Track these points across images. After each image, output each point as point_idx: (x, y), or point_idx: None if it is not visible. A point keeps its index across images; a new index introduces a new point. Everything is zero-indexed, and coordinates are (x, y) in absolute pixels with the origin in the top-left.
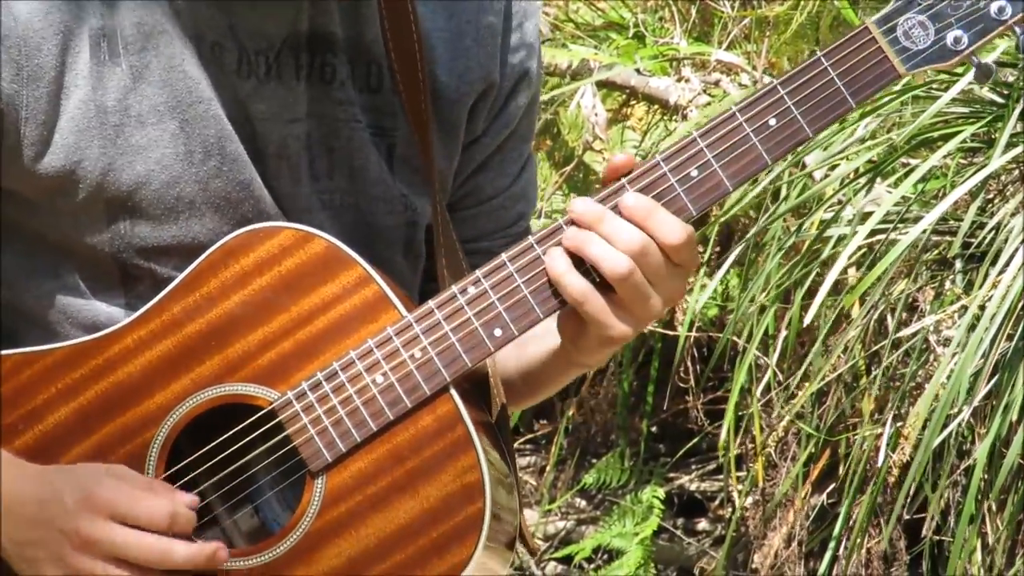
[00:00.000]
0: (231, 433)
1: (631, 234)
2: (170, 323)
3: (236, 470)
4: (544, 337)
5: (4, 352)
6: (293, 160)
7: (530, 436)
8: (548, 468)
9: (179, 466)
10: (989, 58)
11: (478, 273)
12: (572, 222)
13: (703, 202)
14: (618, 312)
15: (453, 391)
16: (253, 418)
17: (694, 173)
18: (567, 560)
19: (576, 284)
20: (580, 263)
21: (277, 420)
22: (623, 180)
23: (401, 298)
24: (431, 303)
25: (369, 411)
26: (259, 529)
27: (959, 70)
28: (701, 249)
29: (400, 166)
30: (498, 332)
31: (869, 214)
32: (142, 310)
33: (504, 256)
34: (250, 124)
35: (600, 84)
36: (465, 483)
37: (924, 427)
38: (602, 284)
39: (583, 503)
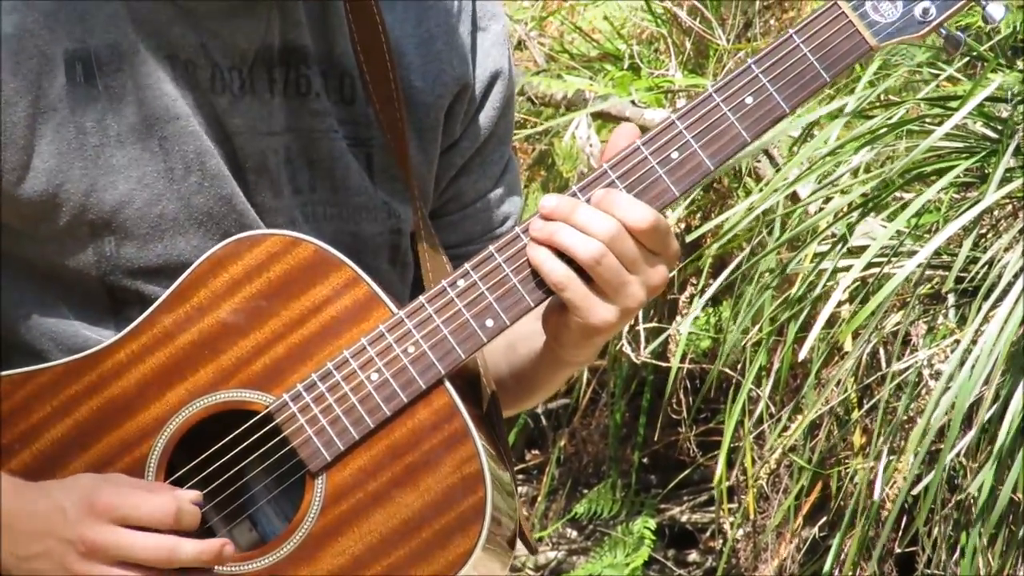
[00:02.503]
0: (228, 439)
1: (600, 221)
2: (162, 335)
3: (231, 477)
4: (532, 337)
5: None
6: (273, 174)
7: (522, 466)
8: (539, 498)
9: (177, 475)
10: (983, 94)
11: (467, 266)
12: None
13: (685, 183)
14: (598, 298)
15: (448, 384)
16: (249, 423)
17: (675, 155)
18: None
19: (557, 269)
20: (562, 253)
21: (274, 424)
22: (604, 166)
23: (391, 298)
24: (421, 298)
25: (365, 408)
26: (256, 543)
27: (953, 104)
28: (694, 280)
29: (380, 175)
30: (490, 323)
31: (863, 248)
32: (133, 324)
33: (492, 248)
34: (228, 140)
35: (595, 115)
36: (465, 474)
37: (916, 461)
38: (582, 274)
39: (574, 533)
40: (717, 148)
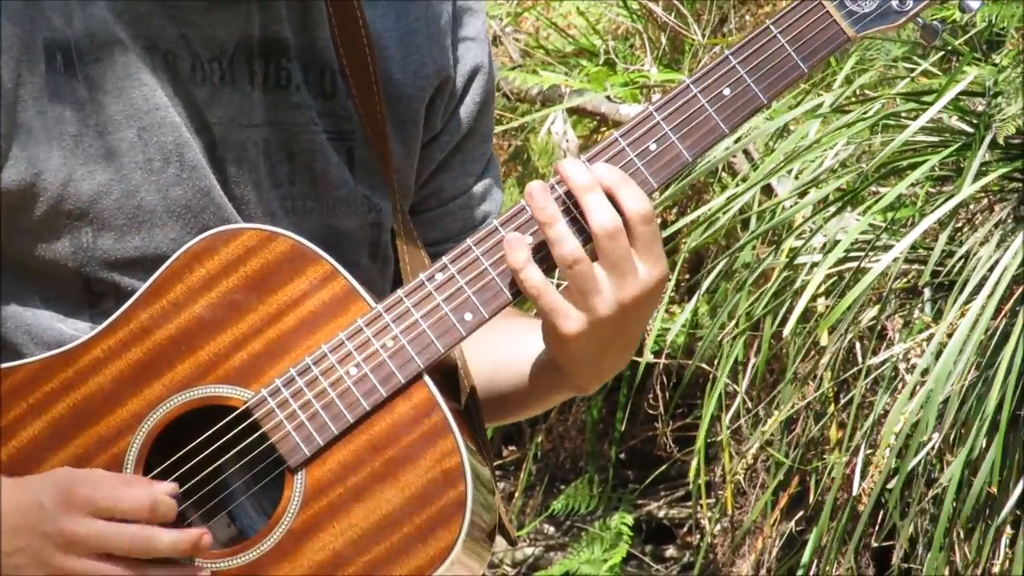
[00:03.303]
0: (207, 435)
1: (609, 209)
2: (138, 331)
3: (210, 474)
4: (519, 361)
5: None
6: (253, 166)
7: (499, 462)
8: (517, 494)
9: (155, 472)
10: (958, 88)
11: (444, 260)
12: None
13: (663, 174)
14: (570, 307)
15: (427, 378)
16: (228, 419)
17: (652, 147)
18: None
19: (533, 278)
20: (537, 252)
21: (252, 419)
22: (582, 158)
23: (369, 292)
24: (400, 292)
25: (344, 403)
26: (235, 538)
27: (928, 98)
28: (671, 276)
29: (361, 169)
30: (468, 316)
31: (839, 242)
32: (109, 320)
33: (469, 241)
34: (208, 131)
35: (571, 111)
36: (445, 468)
37: (893, 455)
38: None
39: (552, 529)
40: (696, 139)
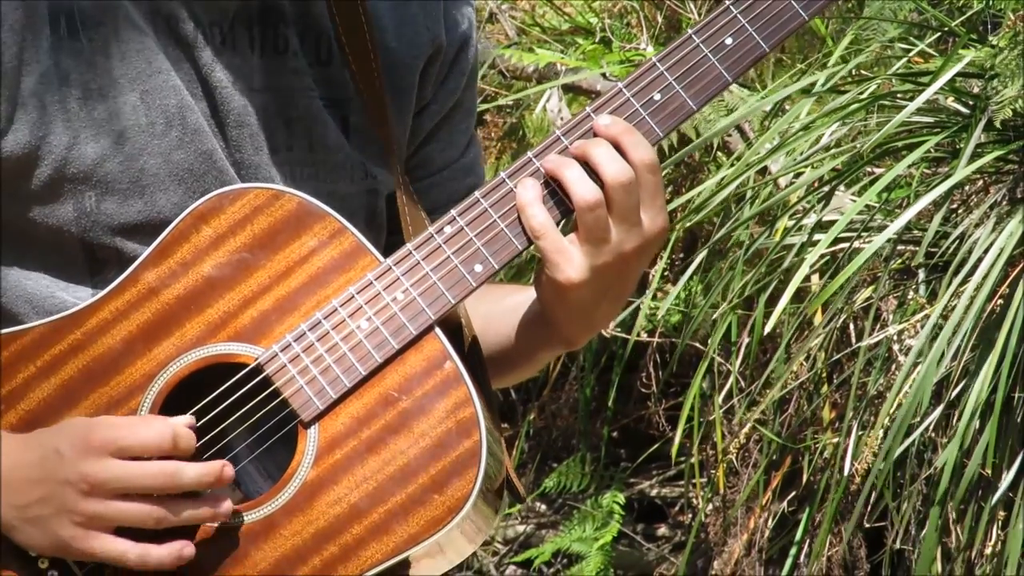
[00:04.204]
0: (218, 392)
1: (616, 162)
2: (146, 291)
3: (216, 436)
4: (509, 314)
5: None
6: (252, 131)
7: None
8: None
9: None
10: (954, 69)
11: (453, 212)
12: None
13: (668, 124)
14: (571, 254)
15: (438, 330)
16: (239, 375)
17: (657, 97)
18: (527, 564)
19: (538, 216)
20: (547, 198)
21: (264, 375)
22: (587, 109)
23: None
24: (408, 246)
25: (356, 356)
26: (241, 501)
27: (924, 79)
28: (664, 254)
29: (356, 136)
30: (478, 267)
31: (833, 222)
32: (117, 281)
33: (477, 194)
34: (210, 94)
35: (566, 88)
36: (459, 419)
37: (886, 435)
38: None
39: (543, 507)
40: (699, 88)
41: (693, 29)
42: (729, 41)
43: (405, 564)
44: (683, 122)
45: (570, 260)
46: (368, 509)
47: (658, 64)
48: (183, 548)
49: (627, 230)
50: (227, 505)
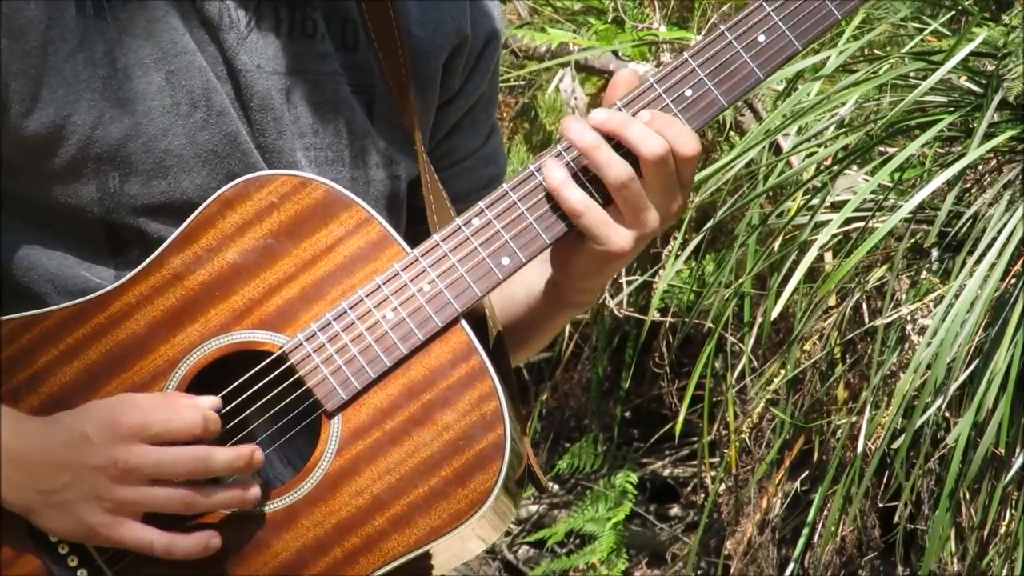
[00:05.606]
0: (242, 380)
1: (652, 138)
2: (171, 276)
3: (238, 425)
4: (527, 285)
5: (2, 318)
6: (277, 114)
7: None
8: None
9: None
10: (967, 48)
11: (481, 204)
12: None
13: (700, 120)
14: (616, 224)
15: (464, 323)
16: (263, 363)
17: (688, 93)
18: (539, 544)
19: (575, 195)
20: (577, 177)
21: (288, 364)
22: (617, 103)
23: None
24: (436, 237)
25: (382, 347)
26: (262, 487)
27: (937, 58)
28: (676, 234)
29: (380, 123)
30: (506, 260)
31: (845, 202)
32: (141, 265)
33: (506, 186)
34: (235, 76)
35: (579, 68)
36: (484, 412)
37: (899, 415)
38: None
39: (556, 487)
40: (731, 85)
41: (726, 26)
42: (762, 38)
43: (426, 555)
44: (713, 118)
45: (617, 230)
46: (390, 501)
47: (690, 60)
48: (210, 539)
49: (668, 198)
50: (255, 491)
